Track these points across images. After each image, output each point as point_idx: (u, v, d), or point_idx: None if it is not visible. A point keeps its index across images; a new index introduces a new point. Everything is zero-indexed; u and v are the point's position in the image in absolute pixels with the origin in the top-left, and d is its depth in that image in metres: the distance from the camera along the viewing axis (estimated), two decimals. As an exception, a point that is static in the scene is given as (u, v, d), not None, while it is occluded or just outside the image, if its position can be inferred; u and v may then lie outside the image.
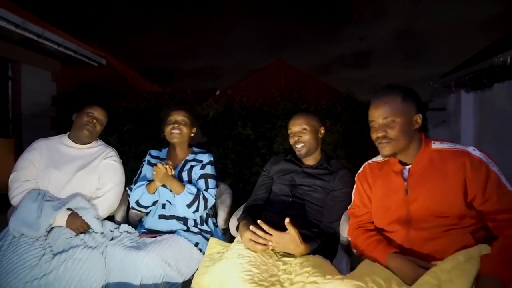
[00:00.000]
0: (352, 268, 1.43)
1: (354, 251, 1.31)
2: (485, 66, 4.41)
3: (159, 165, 1.51)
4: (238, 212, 1.69)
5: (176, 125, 1.70)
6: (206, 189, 1.66)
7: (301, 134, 1.54)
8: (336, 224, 1.46)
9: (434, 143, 1.17)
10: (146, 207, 1.65)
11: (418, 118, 1.15)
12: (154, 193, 1.62)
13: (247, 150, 4.87)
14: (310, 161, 1.60)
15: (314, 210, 1.49)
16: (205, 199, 1.61)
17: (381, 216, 1.24)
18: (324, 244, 1.35)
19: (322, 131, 1.60)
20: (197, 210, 1.58)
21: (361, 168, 1.38)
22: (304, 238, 1.25)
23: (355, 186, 1.39)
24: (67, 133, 1.75)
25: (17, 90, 4.50)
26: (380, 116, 1.15)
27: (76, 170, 1.63)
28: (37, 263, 1.32)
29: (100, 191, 1.65)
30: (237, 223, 1.65)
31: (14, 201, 1.55)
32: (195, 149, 1.81)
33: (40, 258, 1.35)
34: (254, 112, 4.92)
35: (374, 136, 1.20)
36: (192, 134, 1.78)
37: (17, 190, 1.55)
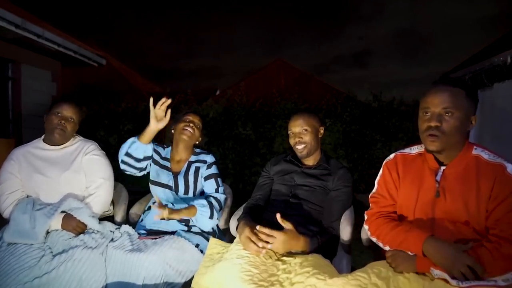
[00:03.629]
0: (352, 268, 1.43)
1: (374, 240, 1.22)
2: (485, 66, 4.40)
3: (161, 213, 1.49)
4: (238, 212, 1.69)
5: (191, 125, 1.70)
6: (217, 188, 1.70)
7: (302, 135, 1.52)
8: (336, 224, 1.45)
9: (475, 148, 1.10)
10: (137, 160, 1.61)
11: (474, 119, 1.08)
12: (147, 143, 1.59)
13: (247, 150, 4.88)
14: (309, 161, 1.59)
15: (314, 210, 1.49)
16: (218, 200, 1.64)
17: (406, 211, 1.19)
18: (324, 244, 1.35)
19: (322, 131, 1.59)
20: (214, 215, 1.61)
21: (391, 156, 1.29)
22: (304, 235, 1.25)
23: (380, 173, 1.30)
24: (42, 136, 1.68)
25: (17, 90, 4.50)
26: (440, 104, 1.05)
27: (61, 172, 1.58)
28: (35, 264, 1.31)
29: (91, 189, 1.61)
30: (237, 223, 1.66)
31: (5, 214, 1.53)
32: (197, 150, 1.82)
33: (39, 259, 1.34)
34: (254, 112, 4.93)
35: (425, 125, 1.09)
36: (197, 142, 1.79)
37: (5, 203, 1.53)
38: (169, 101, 1.54)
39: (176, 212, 1.53)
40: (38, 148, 1.65)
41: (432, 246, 1.01)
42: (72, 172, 1.60)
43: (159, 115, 1.55)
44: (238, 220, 1.51)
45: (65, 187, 1.58)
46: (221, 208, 1.66)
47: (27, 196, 1.59)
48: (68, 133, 1.63)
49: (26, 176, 1.57)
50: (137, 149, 1.59)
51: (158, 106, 1.54)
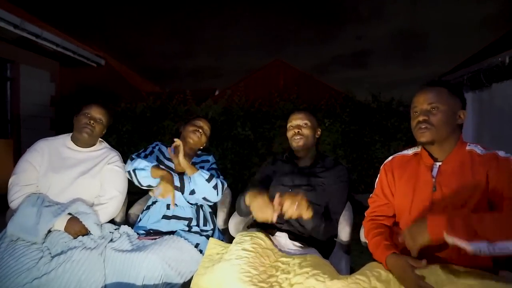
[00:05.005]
0: (352, 268, 1.44)
1: (364, 238, 1.33)
2: (483, 66, 4.42)
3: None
4: (238, 213, 1.69)
5: (200, 130, 1.75)
6: (218, 177, 1.74)
7: (302, 128, 1.55)
8: (335, 216, 1.46)
9: (469, 145, 1.16)
10: (139, 183, 1.61)
11: (462, 114, 1.16)
12: (154, 178, 1.59)
13: (246, 150, 4.88)
14: (306, 161, 1.60)
15: (314, 210, 1.49)
16: (222, 182, 1.68)
17: (403, 211, 1.22)
18: (321, 240, 1.39)
19: (319, 132, 1.62)
20: (216, 188, 1.63)
21: (389, 158, 1.36)
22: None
23: (378, 175, 1.37)
24: (71, 134, 1.70)
25: (16, 90, 4.50)
26: (425, 101, 1.15)
27: (78, 175, 1.59)
28: (34, 265, 1.31)
29: (103, 198, 1.62)
30: (236, 222, 1.65)
31: (12, 205, 1.52)
32: (198, 152, 1.87)
33: (38, 260, 1.33)
34: (253, 112, 4.94)
35: (414, 122, 1.19)
36: (202, 147, 1.84)
37: (16, 194, 1.52)
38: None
39: (183, 158, 1.57)
40: (64, 145, 1.66)
41: (391, 265, 1.09)
42: (89, 177, 1.61)
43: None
44: (245, 192, 1.49)
45: (78, 190, 1.58)
46: (222, 187, 1.67)
47: (39, 192, 1.57)
48: (96, 134, 1.66)
49: (44, 171, 1.57)
50: (145, 178, 1.59)
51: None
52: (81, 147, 1.67)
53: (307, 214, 1.22)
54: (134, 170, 1.59)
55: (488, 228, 0.90)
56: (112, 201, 1.63)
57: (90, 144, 1.69)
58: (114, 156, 1.72)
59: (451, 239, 0.93)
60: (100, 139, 1.76)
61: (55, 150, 1.63)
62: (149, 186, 1.63)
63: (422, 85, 1.22)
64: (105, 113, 1.69)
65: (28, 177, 1.56)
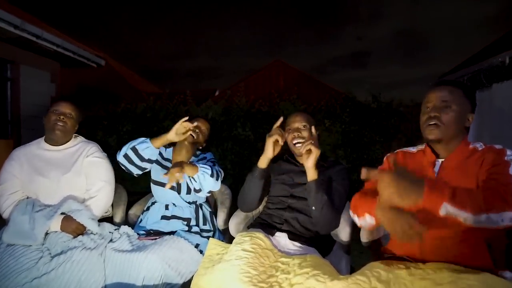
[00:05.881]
0: (352, 268, 1.44)
1: (351, 214, 1.27)
2: (483, 66, 4.43)
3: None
4: (238, 213, 1.69)
5: (197, 130, 1.72)
6: (215, 166, 1.73)
7: (301, 131, 1.53)
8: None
9: (472, 143, 1.18)
10: (141, 158, 1.55)
11: (471, 117, 1.17)
12: (157, 148, 1.57)
13: (246, 151, 4.88)
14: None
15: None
16: (219, 171, 1.68)
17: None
18: (321, 238, 1.40)
19: (317, 132, 1.61)
20: (218, 179, 1.65)
21: (394, 152, 1.37)
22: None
23: (382, 165, 1.36)
24: (44, 136, 1.68)
25: (16, 91, 4.50)
26: (440, 98, 1.16)
27: (61, 174, 1.58)
28: (34, 265, 1.31)
29: (92, 191, 1.61)
30: (236, 223, 1.65)
31: (5, 214, 1.53)
32: (197, 152, 1.85)
33: (38, 260, 1.33)
34: (253, 113, 4.94)
35: (424, 117, 1.19)
36: (201, 148, 1.82)
37: (6, 203, 1.53)
38: (193, 125, 1.60)
39: (182, 168, 1.52)
40: (39, 148, 1.64)
41: (380, 212, 1.05)
42: (73, 174, 1.60)
43: (180, 130, 1.55)
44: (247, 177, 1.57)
45: (65, 188, 1.58)
46: (221, 176, 1.70)
47: (27, 197, 1.58)
48: (69, 129, 1.63)
49: (26, 177, 1.57)
50: (146, 150, 1.55)
51: (180, 122, 1.55)
52: (56, 146, 1.65)
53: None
54: (134, 148, 1.54)
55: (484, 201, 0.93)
56: (100, 192, 1.61)
57: (64, 141, 1.66)
58: (91, 148, 1.69)
59: (451, 210, 0.92)
60: (75, 134, 1.72)
61: (32, 155, 1.62)
62: (150, 160, 1.58)
63: (438, 82, 1.22)
64: (74, 108, 1.66)
65: (13, 185, 1.56)
